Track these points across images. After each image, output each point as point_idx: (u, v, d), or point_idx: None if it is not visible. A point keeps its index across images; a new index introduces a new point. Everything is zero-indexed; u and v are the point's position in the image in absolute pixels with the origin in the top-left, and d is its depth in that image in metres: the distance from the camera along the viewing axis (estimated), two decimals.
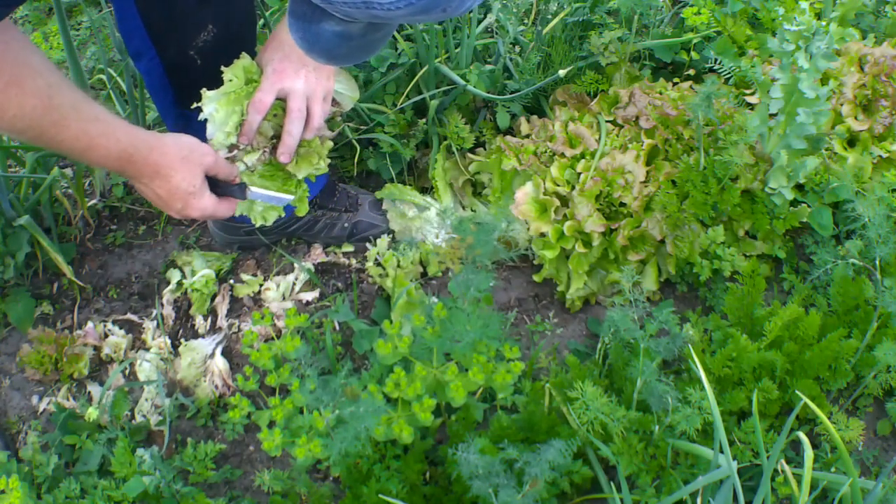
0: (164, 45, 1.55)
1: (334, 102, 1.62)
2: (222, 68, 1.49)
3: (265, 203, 1.57)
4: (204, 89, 1.47)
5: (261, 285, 1.97)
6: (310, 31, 1.06)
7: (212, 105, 1.47)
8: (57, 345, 1.84)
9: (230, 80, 1.49)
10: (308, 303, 1.94)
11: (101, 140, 1.32)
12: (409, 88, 2.10)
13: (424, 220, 2.00)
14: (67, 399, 1.82)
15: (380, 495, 1.46)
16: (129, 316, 1.95)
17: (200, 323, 1.92)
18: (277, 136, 1.55)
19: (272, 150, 1.56)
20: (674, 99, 1.97)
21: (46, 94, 1.23)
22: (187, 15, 1.50)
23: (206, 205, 1.47)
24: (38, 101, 1.22)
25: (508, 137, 2.00)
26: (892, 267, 1.71)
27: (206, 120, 1.49)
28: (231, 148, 1.50)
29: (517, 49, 2.23)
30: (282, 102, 1.53)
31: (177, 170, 1.40)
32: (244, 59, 1.51)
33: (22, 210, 1.92)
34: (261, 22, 2.11)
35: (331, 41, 1.07)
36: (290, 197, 1.58)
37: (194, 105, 1.48)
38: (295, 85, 1.50)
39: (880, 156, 1.90)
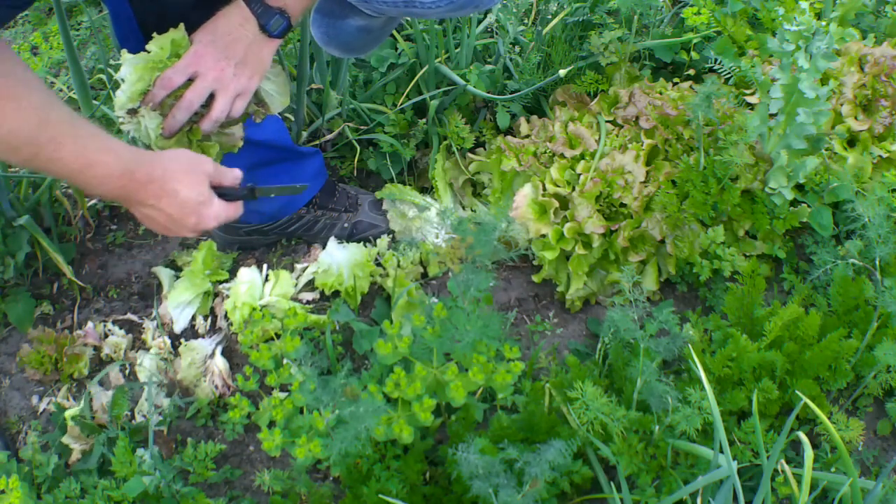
0: None
1: (261, 103, 1.57)
2: (153, 34, 1.46)
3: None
4: (124, 51, 1.45)
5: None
6: (334, 26, 1.06)
7: (128, 68, 1.44)
8: (57, 345, 1.84)
9: (157, 50, 1.45)
10: (308, 303, 1.94)
11: (101, 156, 1.28)
12: (409, 88, 2.10)
13: (424, 220, 2.00)
14: (67, 399, 1.82)
15: (380, 495, 1.46)
16: (129, 316, 1.95)
17: (200, 323, 1.92)
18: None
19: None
20: (674, 99, 1.97)
21: (43, 110, 1.20)
22: (182, 17, 1.50)
23: (219, 211, 1.44)
24: (34, 116, 1.19)
25: (508, 138, 2.00)
26: (892, 267, 1.71)
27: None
28: (131, 112, 1.45)
29: (517, 49, 2.23)
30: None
31: (182, 182, 1.37)
32: (177, 32, 1.47)
33: (22, 210, 1.92)
34: None
35: (351, 35, 1.08)
36: (304, 184, 1.58)
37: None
38: (206, 74, 1.45)
39: (880, 156, 1.90)
